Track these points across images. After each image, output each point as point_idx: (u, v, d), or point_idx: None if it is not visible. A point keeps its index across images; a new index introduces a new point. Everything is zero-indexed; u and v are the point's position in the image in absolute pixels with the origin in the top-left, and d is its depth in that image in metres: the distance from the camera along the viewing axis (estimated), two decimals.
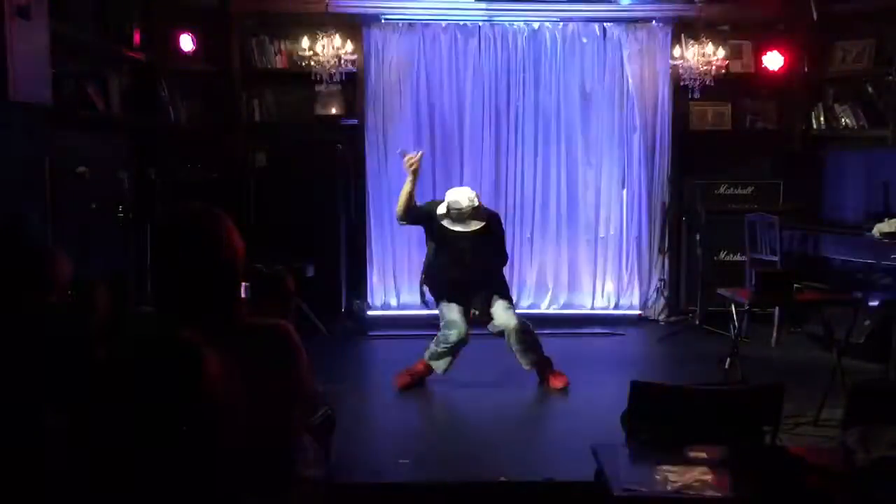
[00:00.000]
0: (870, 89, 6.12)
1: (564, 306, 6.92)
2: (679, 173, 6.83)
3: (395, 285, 6.85)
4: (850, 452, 2.47)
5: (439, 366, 4.97)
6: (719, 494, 2.39)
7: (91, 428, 1.58)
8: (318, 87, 6.58)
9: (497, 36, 6.72)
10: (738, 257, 6.54)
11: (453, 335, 4.85)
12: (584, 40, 6.74)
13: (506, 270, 5.28)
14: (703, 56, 6.18)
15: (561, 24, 6.73)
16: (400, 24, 6.67)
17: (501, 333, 4.96)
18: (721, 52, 6.23)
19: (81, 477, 1.58)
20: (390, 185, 6.74)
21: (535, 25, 6.73)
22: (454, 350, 4.91)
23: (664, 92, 6.76)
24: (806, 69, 6.73)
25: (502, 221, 5.34)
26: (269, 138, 6.56)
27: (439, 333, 4.95)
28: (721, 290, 5.37)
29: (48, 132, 4.13)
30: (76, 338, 1.89)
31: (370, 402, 4.91)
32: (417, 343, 5.23)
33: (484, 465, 3.84)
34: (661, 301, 6.90)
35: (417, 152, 5.03)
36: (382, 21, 6.67)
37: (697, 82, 6.27)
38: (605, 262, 6.94)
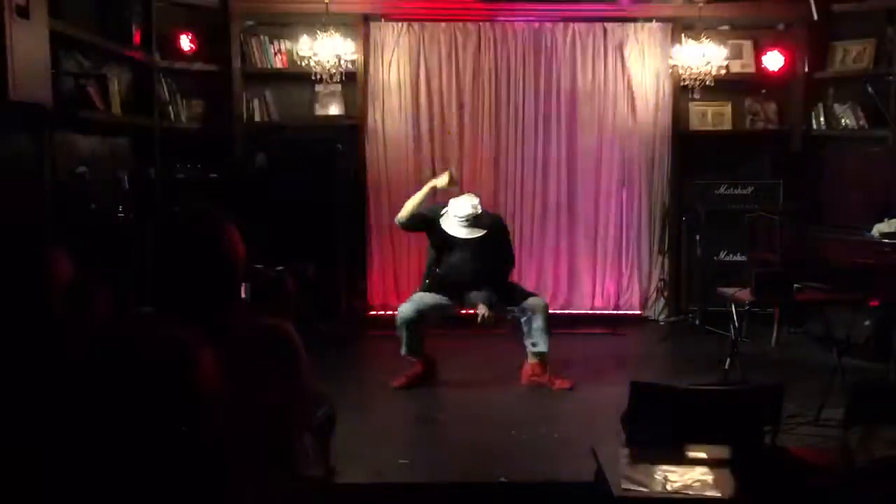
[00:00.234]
0: (870, 89, 6.11)
1: (564, 306, 6.93)
2: (679, 173, 6.83)
3: (395, 285, 6.85)
4: (850, 452, 2.48)
5: (402, 348, 5.00)
6: (719, 494, 2.39)
7: (90, 428, 1.58)
8: (318, 87, 6.58)
9: (497, 36, 6.72)
10: (738, 257, 6.54)
11: (405, 309, 4.93)
12: (584, 40, 6.75)
13: None
14: (703, 56, 6.18)
15: (561, 23, 6.73)
16: (400, 24, 6.67)
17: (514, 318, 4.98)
18: (721, 52, 6.23)
19: (81, 477, 1.58)
20: (390, 185, 6.75)
21: (536, 25, 6.73)
22: (406, 328, 4.92)
23: (664, 92, 6.77)
24: (806, 69, 6.73)
25: (507, 225, 5.35)
26: (269, 138, 6.56)
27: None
28: (721, 290, 5.37)
29: (48, 132, 4.13)
30: (76, 338, 1.89)
31: (370, 402, 4.91)
32: None
33: (484, 465, 3.84)
34: (661, 301, 6.91)
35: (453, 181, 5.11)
36: (382, 21, 6.68)
37: (697, 82, 6.27)
38: (605, 262, 6.95)
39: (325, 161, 6.34)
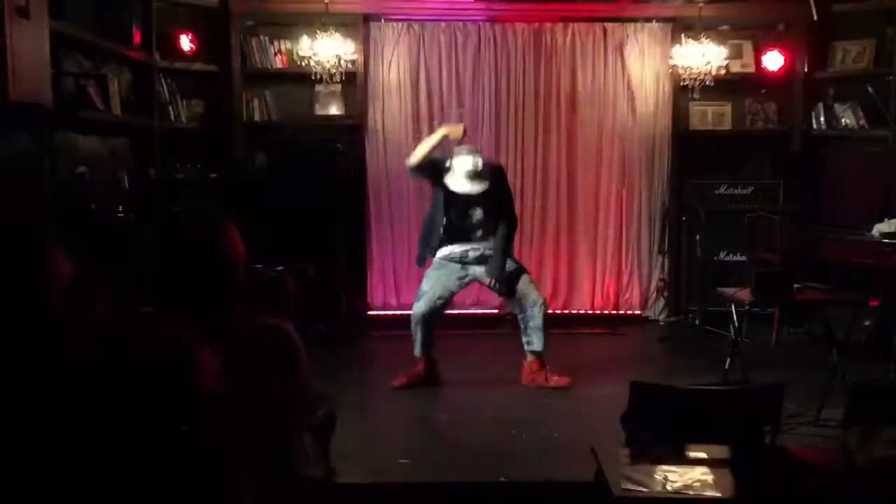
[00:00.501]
0: (870, 89, 6.11)
1: (564, 306, 6.92)
2: (679, 173, 6.83)
3: (395, 285, 6.85)
4: (850, 452, 2.48)
5: (416, 348, 5.00)
6: (719, 494, 2.39)
7: (90, 428, 1.58)
8: (318, 87, 6.58)
9: (497, 36, 6.72)
10: (738, 257, 6.54)
11: (419, 306, 4.92)
12: (585, 40, 6.75)
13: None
14: (703, 56, 6.18)
15: (561, 24, 6.73)
16: (400, 24, 6.67)
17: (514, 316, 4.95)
18: (721, 52, 6.22)
19: (81, 477, 1.58)
20: (390, 185, 6.75)
21: (535, 25, 6.73)
22: (422, 326, 4.94)
23: (664, 92, 6.77)
24: (806, 69, 6.73)
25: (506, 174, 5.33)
26: (269, 138, 6.56)
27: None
28: (721, 290, 5.37)
29: (48, 132, 4.12)
30: (76, 338, 1.89)
31: (370, 401, 4.91)
32: None
33: (484, 465, 3.84)
34: (661, 301, 6.90)
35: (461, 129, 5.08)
36: (382, 21, 6.68)
37: (697, 82, 6.27)
38: (605, 262, 6.95)
39: (325, 161, 6.34)
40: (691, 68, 6.24)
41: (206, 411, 1.57)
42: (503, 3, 6.66)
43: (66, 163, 4.34)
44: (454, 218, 4.97)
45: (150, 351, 1.60)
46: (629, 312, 6.93)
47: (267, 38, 6.66)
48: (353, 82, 6.58)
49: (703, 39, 6.23)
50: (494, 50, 6.72)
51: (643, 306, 6.95)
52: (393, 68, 6.68)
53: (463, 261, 5.02)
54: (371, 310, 6.82)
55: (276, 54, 6.67)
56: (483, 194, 4.90)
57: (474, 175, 4.85)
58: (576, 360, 5.55)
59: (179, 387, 1.57)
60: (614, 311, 6.94)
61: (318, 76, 6.11)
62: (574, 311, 6.90)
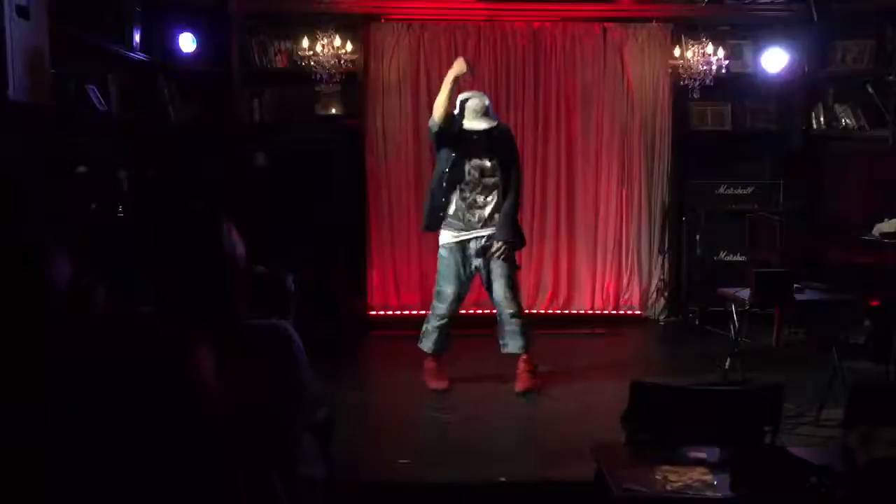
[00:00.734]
0: (870, 89, 6.11)
1: (564, 306, 6.92)
2: (679, 173, 6.83)
3: (395, 285, 6.85)
4: (851, 452, 2.48)
5: (426, 345, 4.99)
6: (719, 494, 2.39)
7: (90, 429, 1.58)
8: (318, 87, 6.58)
9: (497, 36, 6.72)
10: (738, 257, 6.54)
11: (441, 308, 4.92)
12: (584, 40, 6.75)
13: None
14: (703, 56, 6.18)
15: (560, 24, 6.73)
16: (400, 25, 6.67)
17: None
18: (721, 52, 6.22)
19: (81, 477, 1.58)
20: (390, 185, 6.75)
21: (535, 25, 6.73)
22: (442, 326, 4.95)
23: (664, 92, 6.77)
24: (806, 69, 6.73)
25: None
26: (269, 138, 6.56)
27: (432, 305, 5.02)
28: (721, 290, 5.37)
29: (48, 132, 4.13)
30: (76, 338, 1.89)
31: (370, 401, 4.91)
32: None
33: (484, 465, 3.84)
34: (661, 301, 6.90)
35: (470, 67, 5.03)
36: (382, 21, 6.68)
37: (697, 82, 6.27)
38: (605, 262, 6.95)
39: (325, 161, 6.34)
40: (691, 68, 6.24)
41: (205, 412, 1.57)
42: (503, 4, 6.66)
43: (66, 163, 4.34)
44: (464, 174, 4.87)
45: (150, 351, 1.60)
46: (629, 312, 6.93)
47: (267, 38, 6.65)
48: (354, 82, 6.58)
49: (703, 39, 6.23)
50: (494, 50, 6.72)
51: (643, 306, 6.95)
52: (393, 68, 6.68)
53: (464, 251, 4.97)
54: (371, 310, 6.82)
55: (276, 54, 6.66)
56: (491, 141, 4.85)
57: (484, 112, 4.85)
58: (576, 359, 5.55)
59: (179, 387, 1.56)
60: (614, 311, 6.94)
61: (318, 76, 6.10)
62: (574, 311, 6.90)
